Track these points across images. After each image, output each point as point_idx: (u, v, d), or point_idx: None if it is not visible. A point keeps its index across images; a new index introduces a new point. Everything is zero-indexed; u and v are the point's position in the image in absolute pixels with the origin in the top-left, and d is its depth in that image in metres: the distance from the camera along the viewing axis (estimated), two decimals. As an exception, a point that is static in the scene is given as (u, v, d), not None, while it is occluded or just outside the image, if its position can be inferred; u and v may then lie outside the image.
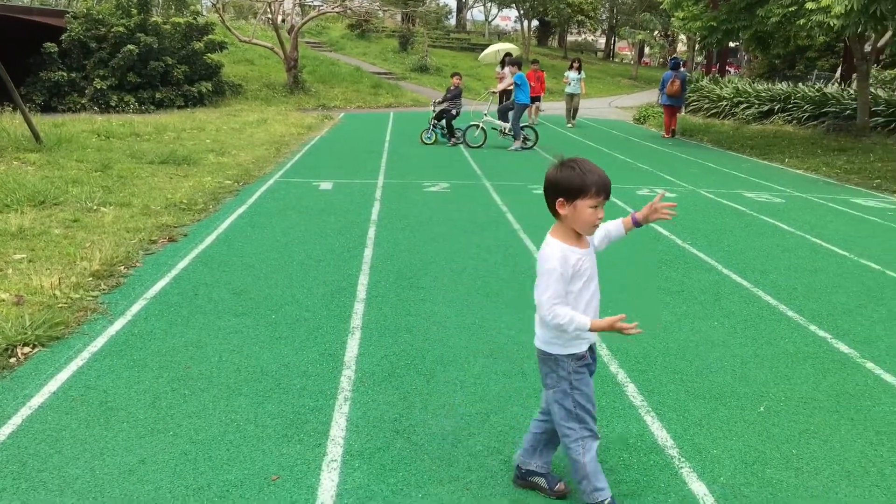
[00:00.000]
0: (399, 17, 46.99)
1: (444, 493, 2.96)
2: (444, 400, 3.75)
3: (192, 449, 3.22)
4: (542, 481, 3.02)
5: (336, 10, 28.36)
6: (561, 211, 2.72)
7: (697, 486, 3.09)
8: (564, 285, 2.70)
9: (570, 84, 20.57)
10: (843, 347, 4.75)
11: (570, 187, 2.67)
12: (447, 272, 6.01)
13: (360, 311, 5.03)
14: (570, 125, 20.44)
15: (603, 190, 2.67)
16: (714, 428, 3.61)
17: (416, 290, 5.53)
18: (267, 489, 2.95)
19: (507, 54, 19.70)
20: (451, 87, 15.17)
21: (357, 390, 3.85)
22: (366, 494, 2.94)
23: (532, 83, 18.67)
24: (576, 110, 20.85)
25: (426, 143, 14.84)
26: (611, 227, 2.97)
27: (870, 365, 4.47)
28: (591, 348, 2.89)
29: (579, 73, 20.38)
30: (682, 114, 21.16)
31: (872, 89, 19.76)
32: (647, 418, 3.67)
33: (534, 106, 19.42)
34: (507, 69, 18.28)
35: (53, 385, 3.79)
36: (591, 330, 2.71)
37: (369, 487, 2.99)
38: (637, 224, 2.97)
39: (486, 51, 26.58)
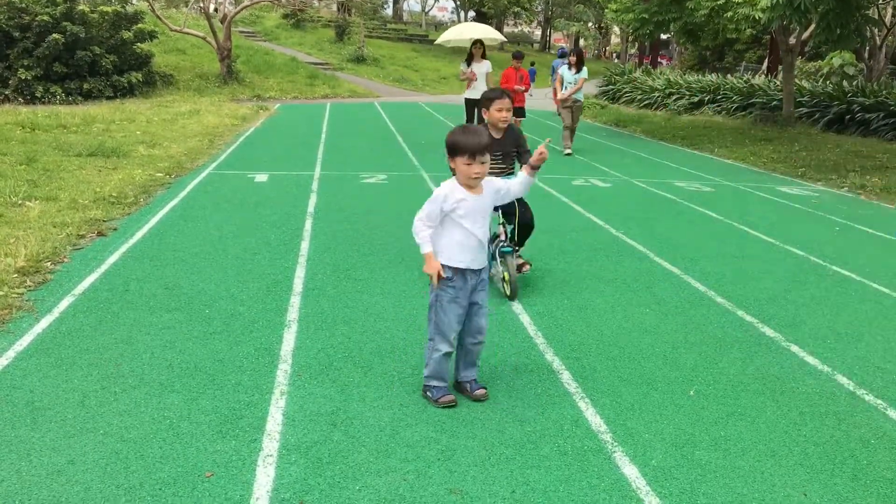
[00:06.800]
0: (335, 7, 46.55)
1: (381, 485, 2.97)
2: (382, 391, 3.76)
3: (123, 448, 3.16)
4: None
5: (270, -1, 27.93)
6: (450, 165, 3.53)
7: (629, 470, 3.16)
8: (437, 213, 3.47)
9: (566, 86, 13.47)
10: (769, 332, 4.91)
11: (450, 148, 3.47)
12: (384, 264, 6.00)
13: (296, 305, 4.99)
14: (568, 153, 13.33)
15: (469, 150, 3.39)
16: (646, 412, 3.70)
17: (354, 283, 5.51)
18: (201, 486, 2.91)
19: (478, 42, 13.10)
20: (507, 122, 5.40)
21: (294, 384, 3.82)
22: (302, 488, 2.93)
23: (512, 87, 12.90)
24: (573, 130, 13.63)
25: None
26: (512, 184, 3.73)
27: (794, 348, 4.64)
28: (466, 275, 3.54)
29: (579, 69, 13.61)
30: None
31: (797, 80, 20.41)
32: (581, 404, 3.74)
33: (517, 121, 12.71)
34: (478, 65, 12.83)
35: (-24, 386, 3.66)
36: (425, 255, 3.50)
37: (306, 481, 2.98)
38: (534, 168, 3.76)
39: (449, 33, 16.11)
